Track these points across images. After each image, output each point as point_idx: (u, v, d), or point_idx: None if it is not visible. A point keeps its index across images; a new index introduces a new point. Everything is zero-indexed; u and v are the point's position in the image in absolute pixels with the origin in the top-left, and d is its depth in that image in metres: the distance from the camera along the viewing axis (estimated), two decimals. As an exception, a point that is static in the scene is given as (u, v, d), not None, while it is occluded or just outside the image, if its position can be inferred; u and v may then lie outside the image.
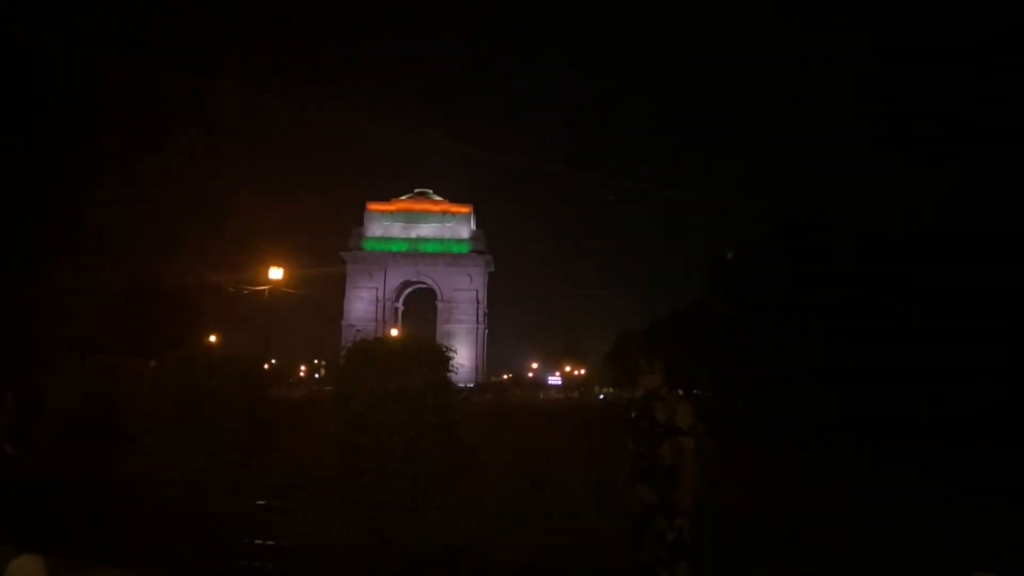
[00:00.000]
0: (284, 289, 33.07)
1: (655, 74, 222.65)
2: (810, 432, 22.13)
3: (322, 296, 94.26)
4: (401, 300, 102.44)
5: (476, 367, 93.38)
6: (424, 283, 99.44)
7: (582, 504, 8.68)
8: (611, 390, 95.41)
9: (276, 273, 30.81)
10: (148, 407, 10.31)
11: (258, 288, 32.78)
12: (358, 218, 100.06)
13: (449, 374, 8.10)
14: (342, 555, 6.74)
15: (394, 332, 78.86)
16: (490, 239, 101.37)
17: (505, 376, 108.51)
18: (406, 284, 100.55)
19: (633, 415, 5.34)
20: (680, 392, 5.31)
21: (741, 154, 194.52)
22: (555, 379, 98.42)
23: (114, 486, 9.47)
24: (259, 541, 6.94)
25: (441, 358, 7.94)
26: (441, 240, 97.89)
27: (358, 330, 69.97)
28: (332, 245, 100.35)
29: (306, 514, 8.12)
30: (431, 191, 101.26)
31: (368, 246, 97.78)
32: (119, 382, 13.14)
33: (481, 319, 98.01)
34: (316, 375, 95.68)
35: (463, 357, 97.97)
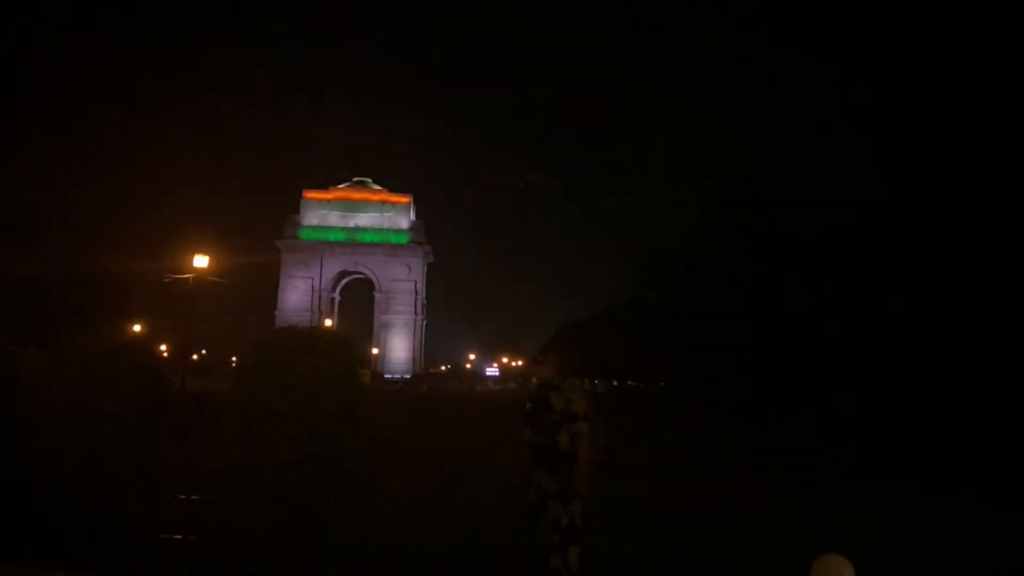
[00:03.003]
0: (210, 278, 32.00)
1: (593, 72, 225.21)
2: (735, 422, 22.78)
3: (257, 286, 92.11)
4: (338, 291, 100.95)
5: (413, 358, 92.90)
6: (361, 273, 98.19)
7: (489, 492, 8.67)
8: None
9: (201, 261, 29.81)
10: (43, 395, 9.88)
11: (181, 276, 31.67)
12: (294, 206, 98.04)
13: (362, 367, 8.00)
14: (242, 546, 6.57)
15: (328, 323, 77.67)
16: (429, 230, 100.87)
17: (443, 367, 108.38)
18: (343, 274, 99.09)
19: (529, 405, 5.37)
20: (574, 380, 5.35)
21: (678, 152, 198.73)
22: (493, 370, 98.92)
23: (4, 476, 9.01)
24: (162, 535, 6.70)
25: (343, 348, 7.80)
26: (379, 230, 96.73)
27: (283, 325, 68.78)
28: (268, 234, 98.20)
29: (208, 505, 7.88)
30: (370, 180, 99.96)
31: (304, 235, 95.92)
32: (19, 370, 12.53)
33: (419, 310, 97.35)
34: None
35: (401, 348, 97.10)
